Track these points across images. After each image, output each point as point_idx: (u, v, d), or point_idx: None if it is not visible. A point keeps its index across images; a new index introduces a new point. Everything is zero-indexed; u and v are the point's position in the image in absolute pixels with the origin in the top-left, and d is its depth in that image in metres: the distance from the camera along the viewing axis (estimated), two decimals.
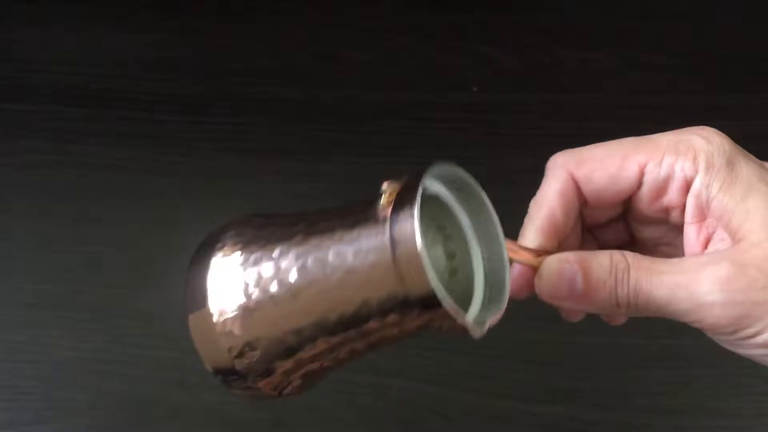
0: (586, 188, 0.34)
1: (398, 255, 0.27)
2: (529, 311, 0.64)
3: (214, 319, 0.30)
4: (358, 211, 0.29)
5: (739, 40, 0.78)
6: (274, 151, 0.71)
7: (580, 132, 0.72)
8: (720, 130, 0.33)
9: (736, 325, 0.30)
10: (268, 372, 0.30)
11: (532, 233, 0.34)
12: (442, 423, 0.59)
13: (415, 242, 0.27)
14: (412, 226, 0.27)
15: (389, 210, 0.28)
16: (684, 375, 0.62)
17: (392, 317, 0.29)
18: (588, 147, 0.34)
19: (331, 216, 0.30)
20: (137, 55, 0.76)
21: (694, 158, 0.32)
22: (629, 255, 0.32)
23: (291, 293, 0.29)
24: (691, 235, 0.33)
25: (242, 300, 0.29)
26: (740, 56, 0.77)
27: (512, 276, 0.34)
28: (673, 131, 0.33)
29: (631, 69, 0.77)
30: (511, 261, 0.33)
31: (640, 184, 0.33)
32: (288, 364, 0.30)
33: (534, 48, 0.78)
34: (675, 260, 0.31)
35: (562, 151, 0.35)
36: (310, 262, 0.29)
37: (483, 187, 0.33)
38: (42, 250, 0.66)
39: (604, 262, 0.32)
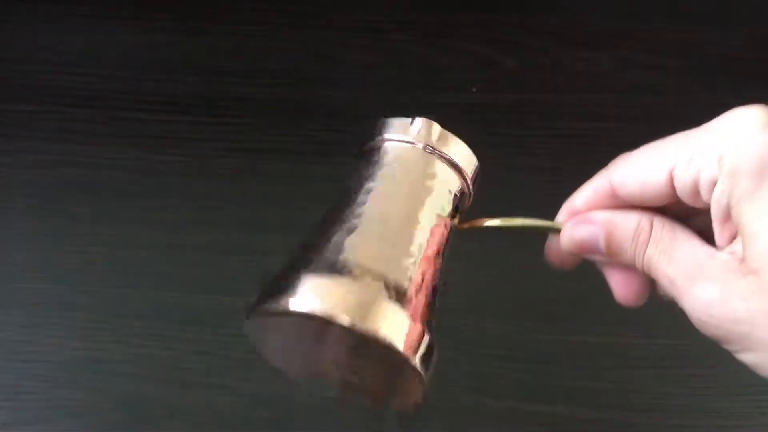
0: (622, 193, 0.33)
1: None
2: (529, 311, 0.64)
3: None
4: None
5: (740, 39, 0.78)
6: (274, 151, 0.71)
7: (580, 132, 0.72)
8: None
9: (717, 339, 0.30)
10: None
11: (557, 218, 0.35)
12: (442, 423, 0.59)
13: None
14: None
15: None
16: (684, 375, 0.62)
17: None
18: (636, 150, 0.33)
19: None
20: (137, 55, 0.76)
21: (720, 159, 0.29)
22: (657, 225, 0.31)
23: None
24: (717, 230, 0.31)
25: None
26: (741, 56, 0.77)
27: (547, 252, 0.36)
28: (719, 118, 0.31)
29: (631, 69, 0.77)
30: (538, 229, 0.35)
31: (672, 187, 0.31)
32: None
33: (533, 48, 0.78)
34: (689, 248, 0.30)
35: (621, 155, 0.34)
36: None
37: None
38: (42, 250, 0.66)
39: (629, 226, 0.32)
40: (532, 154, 0.71)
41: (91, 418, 0.59)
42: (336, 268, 0.31)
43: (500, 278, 0.65)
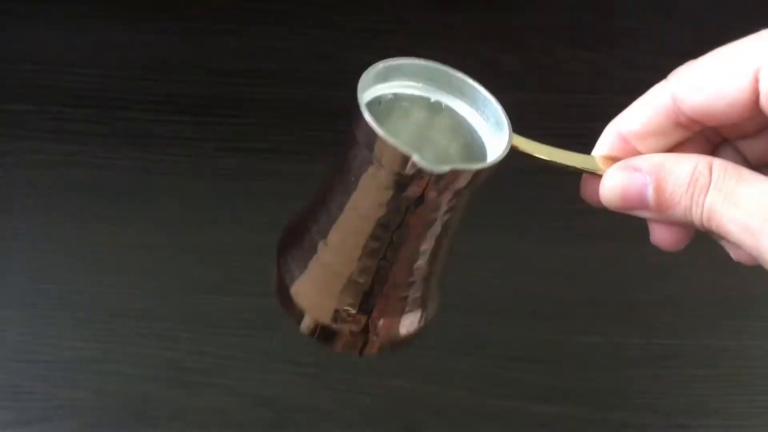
0: (688, 107, 0.28)
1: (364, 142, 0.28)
2: (529, 311, 0.64)
3: None
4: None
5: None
6: (274, 151, 0.71)
7: (580, 132, 0.71)
8: None
9: None
10: None
11: (601, 140, 0.30)
12: (442, 423, 0.59)
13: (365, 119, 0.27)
14: (358, 110, 0.28)
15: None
16: (684, 375, 0.62)
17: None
18: (705, 56, 0.28)
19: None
20: (137, 55, 0.76)
21: None
22: (718, 167, 0.26)
23: None
24: None
25: None
26: None
27: (583, 190, 0.30)
28: None
29: (631, 69, 0.77)
30: (574, 169, 0.31)
31: (754, 96, 0.26)
32: None
33: (534, 48, 0.78)
34: (760, 187, 0.25)
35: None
36: None
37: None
38: (42, 250, 0.66)
39: (683, 172, 0.27)
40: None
41: (91, 418, 0.59)
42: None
43: (500, 278, 0.65)
